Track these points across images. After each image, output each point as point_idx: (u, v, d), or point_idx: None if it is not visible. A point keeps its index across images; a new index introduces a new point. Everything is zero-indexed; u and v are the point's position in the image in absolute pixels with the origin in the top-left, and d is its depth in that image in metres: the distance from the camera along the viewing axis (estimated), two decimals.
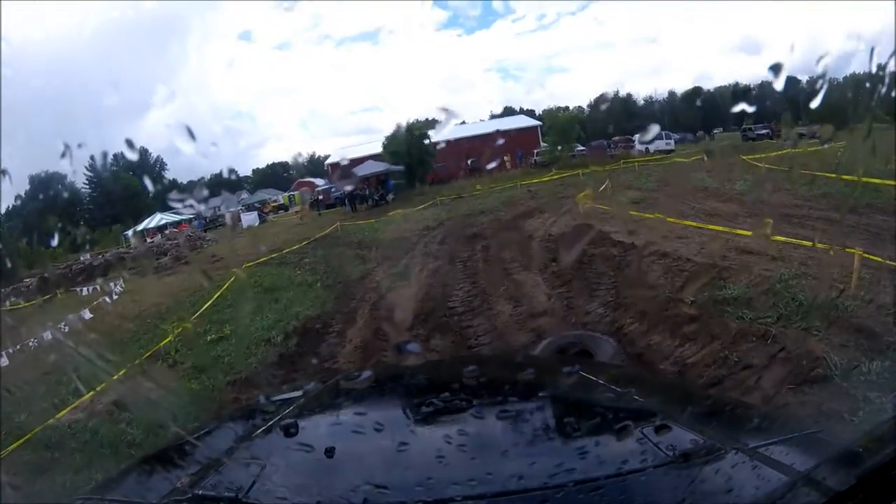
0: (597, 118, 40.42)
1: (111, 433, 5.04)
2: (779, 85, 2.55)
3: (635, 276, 7.05)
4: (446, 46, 75.60)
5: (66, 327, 9.54)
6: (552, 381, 2.03)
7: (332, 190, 30.31)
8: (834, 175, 10.72)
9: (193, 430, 2.09)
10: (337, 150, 39.78)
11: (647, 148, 26.89)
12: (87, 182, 41.44)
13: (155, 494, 1.35)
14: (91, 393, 5.76)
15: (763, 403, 3.62)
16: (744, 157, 17.09)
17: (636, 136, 30.13)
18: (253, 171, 58.44)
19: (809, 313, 4.72)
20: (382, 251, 12.99)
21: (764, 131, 27.86)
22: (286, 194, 38.62)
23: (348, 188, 26.68)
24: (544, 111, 40.95)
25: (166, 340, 7.69)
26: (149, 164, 46.04)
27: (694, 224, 9.16)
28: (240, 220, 27.68)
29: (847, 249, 5.44)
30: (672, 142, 29.62)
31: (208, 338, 7.71)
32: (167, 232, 26.46)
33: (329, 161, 38.57)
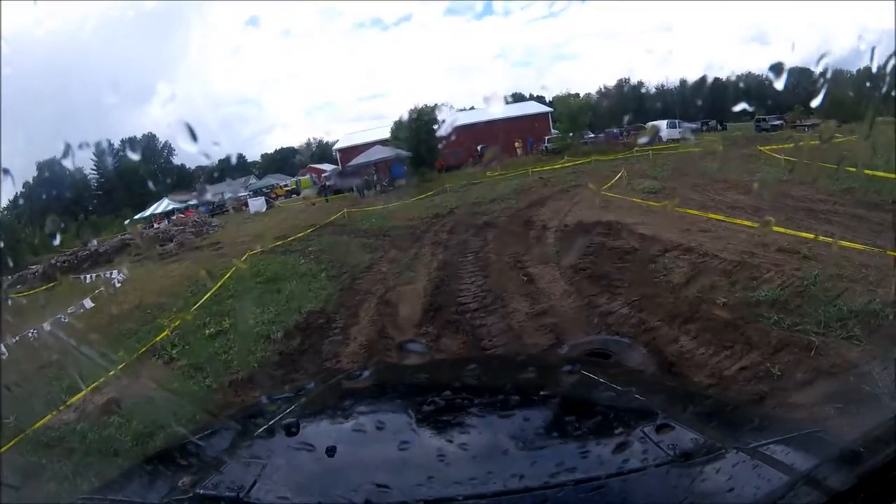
0: (607, 105, 39.54)
1: (100, 438, 4.75)
2: (779, 85, 2.47)
3: (660, 272, 6.61)
4: (454, 32, 74.11)
5: (66, 318, 9.34)
6: (553, 380, 2.01)
7: (340, 175, 29.89)
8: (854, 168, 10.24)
9: (195, 430, 2.08)
10: (345, 135, 39.16)
11: (659, 136, 26.40)
12: (94, 168, 41.42)
13: (156, 494, 1.36)
14: (82, 393, 5.48)
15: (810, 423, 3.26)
16: (761, 148, 16.56)
17: (648, 125, 29.52)
18: (262, 156, 57.99)
19: (849, 320, 4.38)
20: (390, 240, 12.62)
21: (778, 122, 27.38)
22: (294, 179, 38.28)
23: (356, 176, 26.29)
24: (555, 97, 39.78)
25: (163, 335, 7.40)
26: (156, 150, 45.85)
27: (717, 217, 8.74)
28: (247, 206, 27.51)
29: (880, 250, 5.18)
30: (686, 130, 29.06)
31: (207, 332, 7.40)
32: (174, 217, 26.28)
33: (337, 146, 38.03)
